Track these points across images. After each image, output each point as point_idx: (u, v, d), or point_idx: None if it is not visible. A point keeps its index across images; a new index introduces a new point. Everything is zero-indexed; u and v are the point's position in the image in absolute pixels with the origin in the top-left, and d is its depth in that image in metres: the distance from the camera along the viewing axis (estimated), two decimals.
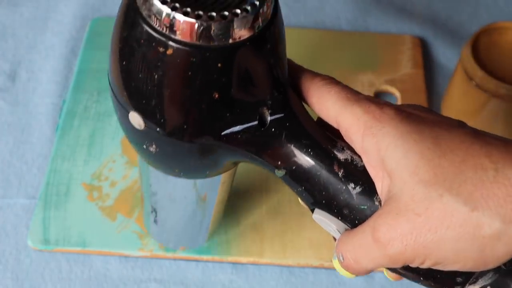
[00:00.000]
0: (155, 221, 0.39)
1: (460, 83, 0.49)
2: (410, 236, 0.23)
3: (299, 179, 0.27)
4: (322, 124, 0.27)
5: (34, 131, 0.50)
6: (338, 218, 0.26)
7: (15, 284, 0.43)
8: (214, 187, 0.34)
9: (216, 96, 0.24)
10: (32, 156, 0.49)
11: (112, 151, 0.48)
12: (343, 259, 0.26)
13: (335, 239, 0.28)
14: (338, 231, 0.26)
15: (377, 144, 0.24)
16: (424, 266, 0.24)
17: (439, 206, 0.22)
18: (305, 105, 0.28)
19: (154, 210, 0.38)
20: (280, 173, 0.27)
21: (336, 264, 0.27)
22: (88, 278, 0.43)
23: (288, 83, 0.27)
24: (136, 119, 0.26)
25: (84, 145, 0.48)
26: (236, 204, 0.46)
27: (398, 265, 0.24)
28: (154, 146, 0.27)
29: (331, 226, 0.27)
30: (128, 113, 0.26)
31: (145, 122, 0.25)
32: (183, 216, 0.38)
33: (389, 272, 0.28)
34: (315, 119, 0.28)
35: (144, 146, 0.27)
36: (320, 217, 0.27)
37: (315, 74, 0.27)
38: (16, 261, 0.44)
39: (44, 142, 0.50)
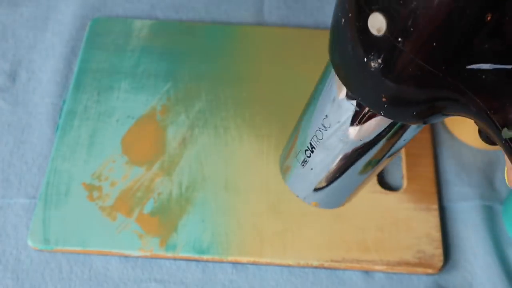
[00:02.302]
0: (303, 163, 0.33)
1: None
2: None
3: None
4: None
5: (34, 131, 0.50)
6: None
7: (15, 284, 0.43)
8: (398, 140, 0.30)
9: (489, 18, 0.20)
10: (32, 156, 0.49)
11: (112, 151, 0.48)
12: None
13: None
14: None
15: None
16: None
17: None
18: None
19: (311, 149, 0.32)
20: (509, 134, 0.23)
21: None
22: (88, 278, 0.44)
23: None
24: (377, 22, 0.22)
25: (84, 145, 0.48)
26: (236, 204, 0.46)
27: None
28: (380, 60, 0.23)
29: None
30: (369, 14, 0.22)
31: (387, 27, 0.22)
32: (344, 163, 0.32)
33: None
34: None
35: (365, 59, 0.23)
36: None
37: None
38: (16, 261, 0.44)
39: (44, 142, 0.50)
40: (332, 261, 0.43)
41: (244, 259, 0.44)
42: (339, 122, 0.29)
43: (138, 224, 0.45)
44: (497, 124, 0.23)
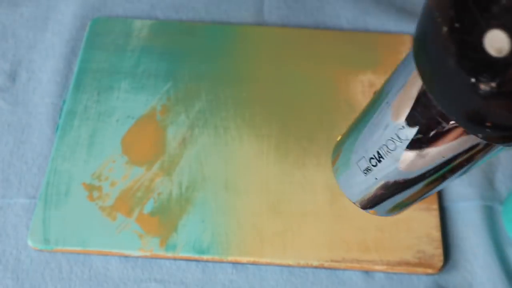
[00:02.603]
0: (366, 171, 0.30)
1: None
2: None
3: None
4: None
5: (34, 131, 0.50)
6: None
7: (15, 284, 0.43)
8: (478, 158, 0.26)
9: None
10: (32, 156, 0.49)
11: (112, 151, 0.48)
12: None
13: None
14: None
15: None
16: None
17: None
18: None
19: (378, 158, 0.29)
20: None
21: None
22: (88, 278, 0.44)
23: None
24: (498, 42, 0.18)
25: (84, 145, 0.48)
26: (236, 204, 0.46)
27: None
28: (493, 84, 0.19)
29: None
30: (487, 30, 0.18)
31: None
32: (413, 180, 0.29)
33: None
34: None
35: (473, 79, 0.20)
36: None
37: None
38: (16, 261, 0.44)
39: (44, 142, 0.50)
40: (332, 261, 0.43)
41: (244, 259, 0.44)
42: (419, 135, 0.26)
43: (138, 224, 0.45)
44: None
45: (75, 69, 0.53)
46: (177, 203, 0.46)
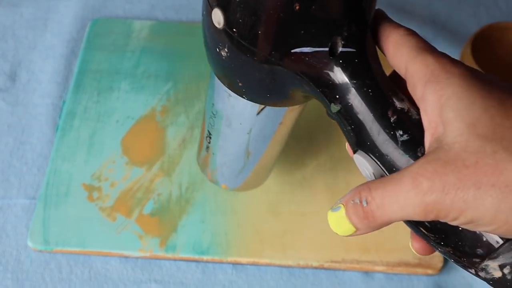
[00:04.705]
0: (207, 148, 0.38)
1: None
2: (453, 186, 0.22)
3: (351, 117, 0.26)
4: (394, 81, 0.27)
5: (34, 132, 0.50)
6: (377, 163, 0.26)
7: (15, 284, 0.43)
8: (271, 122, 0.34)
9: (297, 7, 0.24)
10: (32, 156, 0.49)
11: (112, 152, 0.48)
12: (366, 203, 0.25)
13: None
14: (374, 175, 0.26)
15: (440, 91, 0.23)
16: (455, 223, 0.23)
17: (490, 161, 0.21)
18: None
19: (209, 135, 0.37)
20: (335, 108, 0.27)
21: (333, 216, 0.26)
22: (88, 279, 0.44)
23: (369, 27, 0.27)
24: (217, 16, 0.26)
25: (84, 145, 0.48)
26: (235, 204, 0.46)
27: (429, 217, 0.23)
28: (226, 50, 0.27)
29: (368, 169, 0.26)
30: (212, 9, 0.27)
31: (224, 20, 0.26)
32: (233, 146, 0.36)
33: (414, 242, 0.28)
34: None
35: (217, 49, 0.28)
36: (361, 157, 0.27)
37: (400, 25, 0.27)
38: (16, 261, 0.44)
39: (44, 142, 0.50)
40: (332, 261, 0.43)
41: (244, 260, 0.44)
42: (221, 108, 0.33)
43: (138, 224, 0.45)
44: (326, 100, 0.27)
45: (75, 69, 0.53)
46: (177, 204, 0.46)
